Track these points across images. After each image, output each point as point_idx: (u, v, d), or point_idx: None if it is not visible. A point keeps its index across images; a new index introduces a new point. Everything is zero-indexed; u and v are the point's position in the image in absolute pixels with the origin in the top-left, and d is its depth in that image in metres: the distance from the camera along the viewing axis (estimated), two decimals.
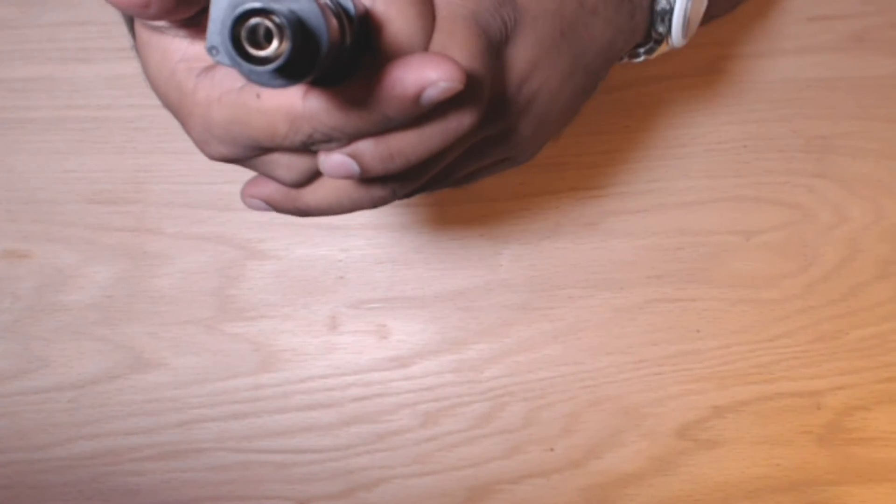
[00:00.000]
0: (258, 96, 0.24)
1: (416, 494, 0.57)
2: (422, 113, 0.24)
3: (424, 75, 0.23)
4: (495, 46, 0.28)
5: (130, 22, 0.32)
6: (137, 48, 0.27)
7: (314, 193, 0.28)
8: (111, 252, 0.56)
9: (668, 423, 0.57)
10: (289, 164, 0.27)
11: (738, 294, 0.57)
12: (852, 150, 0.57)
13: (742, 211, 0.57)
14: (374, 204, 0.28)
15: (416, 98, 0.23)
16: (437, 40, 0.26)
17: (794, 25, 0.57)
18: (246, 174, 0.29)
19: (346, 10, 0.22)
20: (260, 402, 0.57)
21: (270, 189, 0.29)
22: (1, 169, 0.56)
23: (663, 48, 0.36)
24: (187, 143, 0.27)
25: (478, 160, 0.31)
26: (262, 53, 0.18)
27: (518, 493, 0.57)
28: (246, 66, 0.18)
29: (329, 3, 0.22)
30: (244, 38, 0.18)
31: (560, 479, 0.57)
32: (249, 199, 0.30)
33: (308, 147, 0.25)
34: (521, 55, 0.29)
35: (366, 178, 0.27)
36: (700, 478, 0.57)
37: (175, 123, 0.27)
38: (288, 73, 0.19)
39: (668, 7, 0.34)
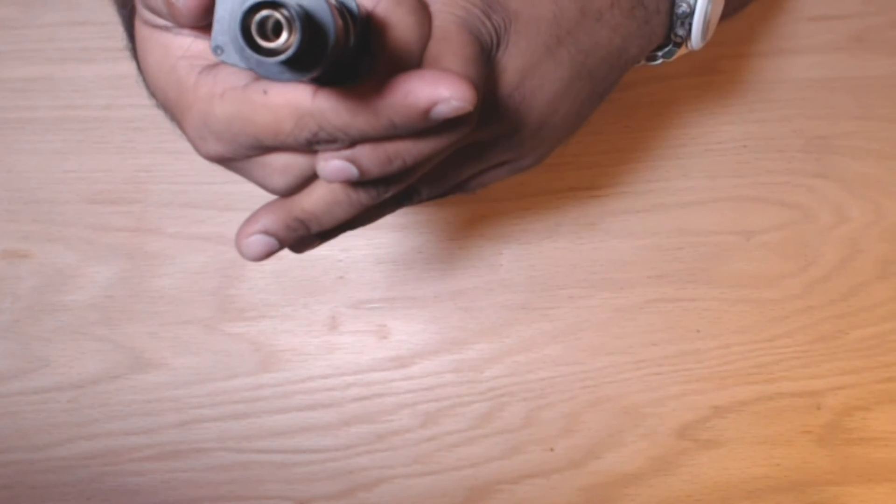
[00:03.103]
0: (265, 92, 0.24)
1: (416, 494, 0.57)
2: (428, 127, 0.24)
3: (438, 92, 0.23)
4: (486, 52, 0.28)
5: (128, 22, 0.32)
6: (136, 46, 0.27)
7: (310, 196, 0.28)
8: (111, 252, 0.56)
9: (668, 423, 0.57)
10: (284, 167, 0.26)
11: (738, 294, 0.57)
12: (852, 150, 0.57)
13: (742, 211, 0.57)
14: (370, 200, 0.28)
15: (426, 112, 0.23)
16: (433, 47, 0.26)
17: (794, 25, 0.57)
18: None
19: (350, 11, 0.22)
20: (260, 402, 0.57)
21: (264, 214, 0.28)
22: (1, 169, 0.56)
23: (682, 51, 0.36)
24: (187, 144, 0.27)
25: (476, 164, 0.31)
26: (271, 45, 0.19)
27: (518, 493, 0.57)
28: (255, 57, 0.19)
29: (335, 1, 0.22)
30: (254, 29, 0.19)
31: (560, 479, 0.57)
32: (247, 238, 0.28)
33: (310, 146, 0.25)
34: (511, 61, 0.29)
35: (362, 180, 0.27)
36: (700, 478, 0.57)
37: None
38: (296, 65, 0.20)
39: (688, 10, 0.34)
